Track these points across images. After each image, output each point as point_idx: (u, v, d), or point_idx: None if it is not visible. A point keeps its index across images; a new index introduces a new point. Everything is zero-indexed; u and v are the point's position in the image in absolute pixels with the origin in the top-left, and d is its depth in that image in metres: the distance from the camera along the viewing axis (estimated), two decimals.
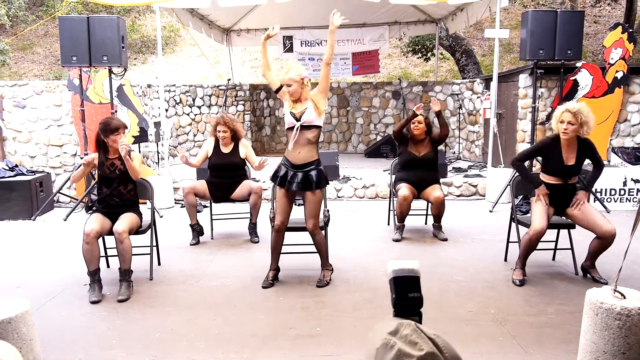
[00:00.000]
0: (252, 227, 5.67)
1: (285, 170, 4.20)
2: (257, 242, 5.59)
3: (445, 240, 5.55)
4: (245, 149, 5.60)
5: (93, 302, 4.07)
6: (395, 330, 1.11)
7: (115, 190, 4.37)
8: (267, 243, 4.76)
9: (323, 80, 4.18)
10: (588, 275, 4.48)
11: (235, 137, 5.60)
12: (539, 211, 4.32)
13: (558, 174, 4.38)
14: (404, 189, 5.46)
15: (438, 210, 5.53)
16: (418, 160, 5.58)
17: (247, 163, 5.66)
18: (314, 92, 4.18)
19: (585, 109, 4.21)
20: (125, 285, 4.21)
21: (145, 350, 3.29)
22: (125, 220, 4.28)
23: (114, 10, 15.16)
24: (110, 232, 4.30)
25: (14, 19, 15.26)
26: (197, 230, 5.59)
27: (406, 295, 1.30)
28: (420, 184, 5.55)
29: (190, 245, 5.50)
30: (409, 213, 5.58)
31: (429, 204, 5.78)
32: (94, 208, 4.56)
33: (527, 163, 4.99)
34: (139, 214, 4.50)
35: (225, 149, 5.60)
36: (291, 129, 4.13)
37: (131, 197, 4.47)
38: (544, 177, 4.47)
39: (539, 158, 4.87)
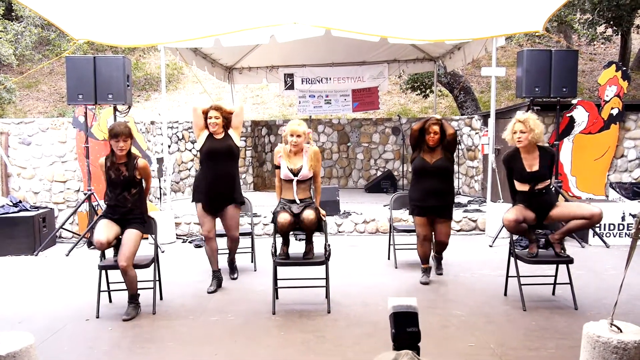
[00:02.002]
0: (230, 264, 5.60)
1: (285, 206, 4.72)
2: (236, 278, 5.53)
3: (441, 274, 5.52)
4: (236, 130, 5.18)
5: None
6: None
7: (120, 196, 4.56)
8: (268, 278, 4.79)
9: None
10: (551, 248, 4.73)
11: (227, 127, 5.17)
12: (512, 209, 4.64)
13: (524, 181, 4.62)
14: (420, 228, 5.24)
15: (439, 248, 5.50)
16: (430, 168, 5.18)
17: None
18: (314, 154, 4.78)
19: (532, 116, 4.59)
20: (132, 307, 4.51)
21: None
22: (127, 247, 4.44)
23: (119, 49, 15.47)
24: (118, 240, 4.54)
25: (20, 58, 15.57)
26: (218, 277, 5.29)
27: (405, 329, 1.37)
28: (433, 201, 5.15)
29: (208, 292, 5.11)
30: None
31: (434, 238, 5.42)
32: (103, 212, 4.74)
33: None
34: (142, 224, 4.65)
35: (218, 137, 5.14)
36: (288, 181, 4.72)
37: (135, 202, 4.60)
38: (517, 186, 4.70)
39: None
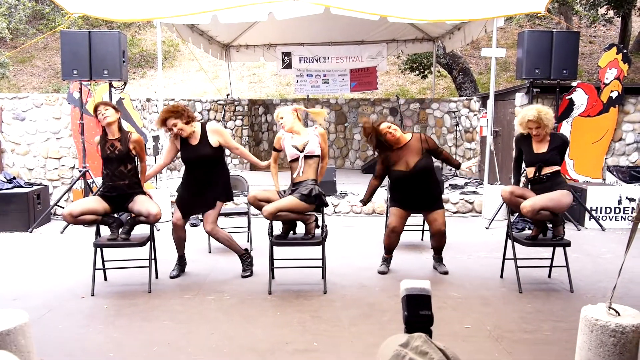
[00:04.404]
0: (240, 258, 5.02)
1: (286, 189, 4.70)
2: (247, 276, 4.92)
3: (446, 273, 4.99)
4: (218, 135, 4.71)
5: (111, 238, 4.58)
6: (406, 343, 1.16)
7: (117, 171, 4.61)
8: (264, 258, 4.77)
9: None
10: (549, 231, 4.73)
11: (197, 125, 4.72)
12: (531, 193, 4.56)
13: (531, 163, 4.56)
14: (394, 218, 4.90)
15: (438, 243, 5.01)
16: (410, 176, 4.75)
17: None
18: (320, 135, 4.68)
19: (543, 111, 4.45)
20: (127, 229, 4.62)
21: None
22: (149, 202, 4.62)
23: (114, 24, 15.27)
24: (103, 213, 4.57)
25: (14, 32, 15.34)
26: (181, 263, 5.05)
27: (417, 312, 1.35)
28: (419, 199, 4.84)
29: (170, 277, 4.92)
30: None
31: (430, 232, 5.11)
32: (99, 191, 4.78)
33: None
34: (144, 194, 4.74)
35: (194, 141, 4.71)
36: (295, 160, 4.61)
37: (132, 177, 4.68)
38: (527, 172, 4.65)
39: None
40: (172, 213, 5.11)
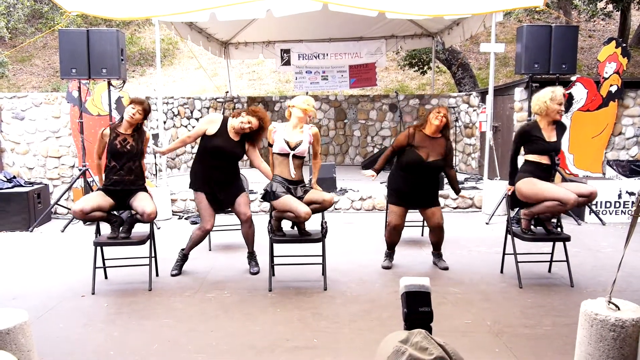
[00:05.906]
0: (250, 256, 5.10)
1: (284, 186, 4.53)
2: (257, 272, 4.95)
3: (446, 269, 5.01)
4: (250, 145, 4.94)
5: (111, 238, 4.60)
6: (406, 339, 1.16)
7: (125, 166, 4.59)
8: (264, 255, 4.77)
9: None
10: (540, 226, 4.68)
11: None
12: (552, 185, 4.46)
13: (543, 152, 4.53)
14: (394, 216, 4.97)
15: (437, 237, 5.04)
16: (425, 166, 4.81)
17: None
18: (314, 135, 4.63)
19: None
20: (127, 228, 4.63)
21: None
22: (146, 201, 4.56)
23: (113, 23, 15.24)
24: (109, 210, 4.57)
25: (13, 31, 15.32)
26: (184, 261, 5.06)
27: (417, 309, 1.35)
28: (419, 195, 4.89)
29: (171, 275, 4.91)
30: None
31: (428, 227, 5.13)
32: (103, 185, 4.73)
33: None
34: (146, 190, 4.72)
35: (236, 137, 4.83)
36: (283, 154, 4.56)
37: (138, 174, 4.67)
38: (531, 158, 4.58)
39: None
40: (199, 219, 5.01)
